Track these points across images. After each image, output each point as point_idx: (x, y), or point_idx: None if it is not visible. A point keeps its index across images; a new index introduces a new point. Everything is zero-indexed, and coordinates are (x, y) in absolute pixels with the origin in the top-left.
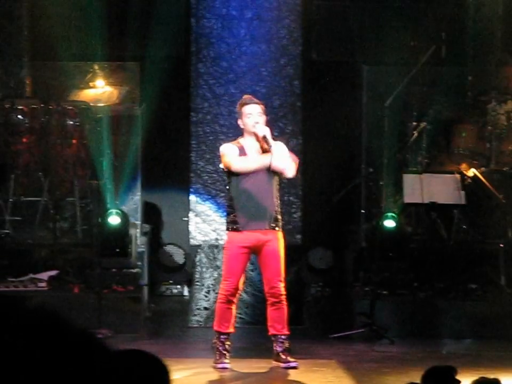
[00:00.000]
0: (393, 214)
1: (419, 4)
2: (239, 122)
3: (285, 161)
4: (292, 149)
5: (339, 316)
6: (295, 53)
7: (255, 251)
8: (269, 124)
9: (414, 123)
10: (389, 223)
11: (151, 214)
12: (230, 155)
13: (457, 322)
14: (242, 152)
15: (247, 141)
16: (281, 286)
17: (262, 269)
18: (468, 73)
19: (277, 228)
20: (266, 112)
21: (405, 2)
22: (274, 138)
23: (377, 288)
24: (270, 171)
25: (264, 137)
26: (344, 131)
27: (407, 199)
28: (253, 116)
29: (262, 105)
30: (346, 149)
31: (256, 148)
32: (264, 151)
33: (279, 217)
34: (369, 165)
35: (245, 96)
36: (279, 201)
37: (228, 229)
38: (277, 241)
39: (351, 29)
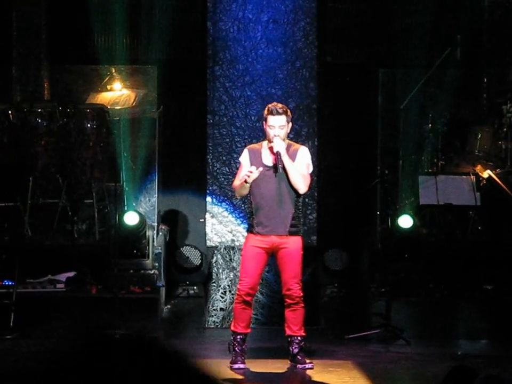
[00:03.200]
0: (409, 215)
1: (435, 7)
2: (264, 125)
3: (296, 179)
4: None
5: (355, 317)
6: (311, 55)
7: (272, 253)
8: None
9: (430, 125)
10: (405, 224)
11: (168, 215)
12: (239, 172)
13: (473, 323)
14: (256, 157)
15: (266, 145)
16: (298, 288)
17: (279, 271)
18: (483, 75)
19: (295, 233)
20: (291, 118)
21: (420, 5)
22: (302, 142)
23: (392, 289)
24: (286, 179)
25: (278, 153)
26: (359, 133)
27: (423, 200)
28: (275, 128)
29: (286, 115)
30: (361, 151)
31: (271, 158)
32: (276, 161)
33: (298, 222)
34: (384, 167)
35: (273, 104)
36: (299, 207)
37: (246, 231)
38: (295, 245)
39: (366, 31)
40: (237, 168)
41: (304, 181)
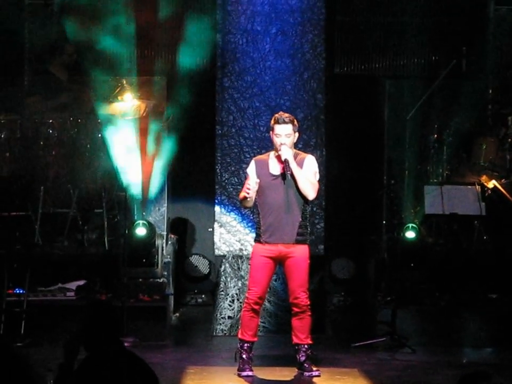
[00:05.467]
0: (414, 225)
1: (440, 18)
2: (271, 134)
3: (304, 185)
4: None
5: (361, 325)
6: (318, 67)
7: (279, 262)
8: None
9: (435, 136)
10: (410, 234)
11: (177, 225)
12: (245, 183)
13: (478, 331)
14: (263, 167)
15: (273, 155)
16: (305, 296)
17: (286, 280)
18: (488, 86)
19: (301, 241)
20: (298, 127)
21: (426, 17)
22: (310, 152)
23: (398, 298)
24: (293, 187)
25: (286, 160)
26: (366, 143)
27: (428, 210)
28: (281, 137)
29: (293, 124)
30: (368, 160)
31: (278, 167)
32: (284, 169)
33: (304, 230)
34: (391, 177)
35: (279, 114)
36: (306, 216)
37: (254, 241)
38: (302, 253)
39: (373, 43)
40: (246, 179)
41: (313, 187)
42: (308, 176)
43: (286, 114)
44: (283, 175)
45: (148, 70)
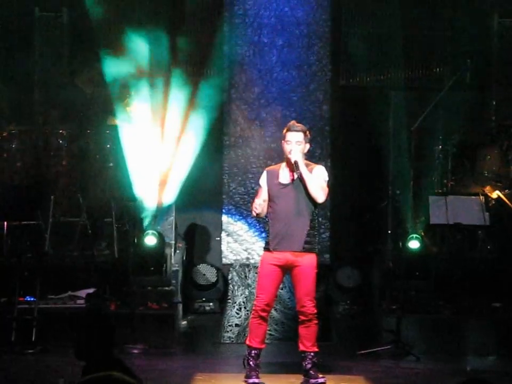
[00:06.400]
0: (418, 235)
1: (445, 32)
2: (282, 144)
3: (314, 188)
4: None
5: (366, 333)
6: (324, 78)
7: (287, 270)
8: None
9: (440, 147)
10: (414, 244)
11: (185, 234)
12: (258, 192)
13: (482, 339)
14: (273, 177)
15: (284, 165)
16: (312, 305)
17: (293, 288)
18: (492, 98)
19: (309, 250)
20: (310, 139)
21: (431, 29)
22: (315, 162)
23: (403, 306)
24: (305, 196)
25: (296, 163)
26: (371, 154)
27: (433, 220)
28: (291, 143)
29: (305, 133)
30: (373, 171)
31: (288, 175)
32: (294, 174)
33: (312, 239)
34: (395, 187)
35: (292, 122)
36: (315, 225)
37: (263, 249)
38: (308, 262)
39: (378, 55)
40: (252, 189)
41: (322, 189)
42: (317, 180)
43: (299, 124)
44: (293, 181)
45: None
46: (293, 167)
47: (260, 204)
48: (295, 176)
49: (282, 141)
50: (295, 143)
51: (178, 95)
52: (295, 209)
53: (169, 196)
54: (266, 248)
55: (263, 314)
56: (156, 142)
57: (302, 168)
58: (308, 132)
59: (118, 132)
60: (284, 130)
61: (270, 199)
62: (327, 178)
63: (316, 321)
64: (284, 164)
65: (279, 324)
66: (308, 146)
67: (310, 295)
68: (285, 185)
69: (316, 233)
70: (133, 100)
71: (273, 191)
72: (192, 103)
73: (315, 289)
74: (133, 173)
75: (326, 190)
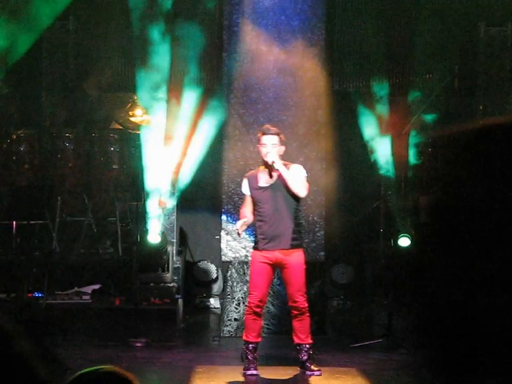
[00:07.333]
0: (407, 234)
1: (434, 39)
2: (258, 147)
3: (294, 184)
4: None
5: (359, 327)
6: (319, 84)
7: (277, 268)
8: (290, 151)
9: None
10: (405, 242)
11: (186, 232)
12: (244, 201)
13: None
14: (253, 182)
15: (262, 169)
16: (303, 300)
17: (285, 285)
18: (479, 103)
19: (296, 246)
20: (284, 142)
21: (420, 37)
22: (292, 161)
23: (394, 301)
24: (286, 195)
25: (273, 163)
26: (364, 156)
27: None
28: (267, 146)
29: (279, 136)
30: (366, 172)
31: (267, 178)
32: (272, 176)
33: (298, 235)
34: (387, 188)
35: (265, 126)
36: (299, 221)
37: (252, 248)
38: (297, 260)
39: (370, 62)
40: (244, 198)
41: (303, 185)
42: (297, 177)
43: (273, 127)
44: (272, 185)
45: None
46: (272, 168)
47: (242, 226)
48: (274, 176)
49: (258, 145)
50: (271, 145)
51: (187, 100)
52: (278, 209)
53: (172, 197)
54: (256, 247)
55: (257, 310)
56: (161, 145)
57: (280, 167)
58: (282, 135)
59: (122, 135)
60: (259, 134)
61: (255, 203)
62: (305, 174)
63: (308, 314)
64: (262, 168)
65: (275, 318)
66: (283, 148)
67: (301, 291)
68: (265, 188)
69: (301, 229)
70: (137, 105)
71: (255, 196)
72: (200, 108)
73: (306, 284)
74: (137, 174)
75: (307, 184)
